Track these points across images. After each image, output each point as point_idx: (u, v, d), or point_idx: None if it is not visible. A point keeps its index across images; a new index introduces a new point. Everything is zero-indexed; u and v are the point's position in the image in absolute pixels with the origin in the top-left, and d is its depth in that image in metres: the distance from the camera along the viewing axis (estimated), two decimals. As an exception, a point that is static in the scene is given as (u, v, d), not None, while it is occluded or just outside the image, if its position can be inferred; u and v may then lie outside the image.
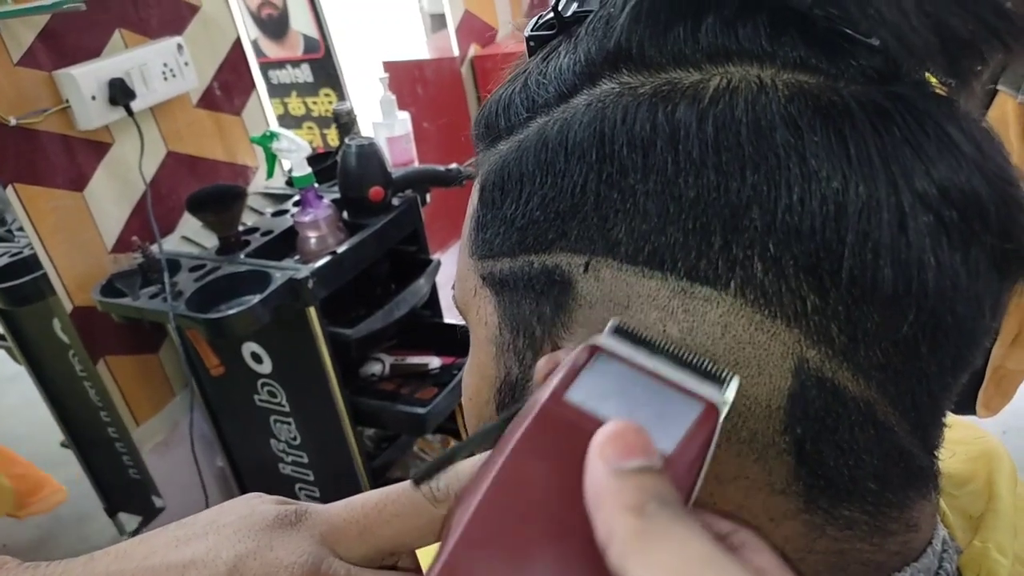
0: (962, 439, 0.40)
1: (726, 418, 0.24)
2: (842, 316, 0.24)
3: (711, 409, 0.24)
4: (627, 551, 0.20)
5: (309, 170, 1.43)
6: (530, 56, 0.33)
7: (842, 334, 0.25)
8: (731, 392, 0.24)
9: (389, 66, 2.19)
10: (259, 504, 0.32)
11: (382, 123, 1.65)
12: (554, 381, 0.24)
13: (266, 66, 2.15)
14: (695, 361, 0.24)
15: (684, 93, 0.25)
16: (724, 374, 0.24)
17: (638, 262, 0.26)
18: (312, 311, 1.35)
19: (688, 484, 0.23)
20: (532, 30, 0.33)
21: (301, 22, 2.03)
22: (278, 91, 2.17)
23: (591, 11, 0.29)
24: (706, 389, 0.24)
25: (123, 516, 1.73)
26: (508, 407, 0.32)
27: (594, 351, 0.25)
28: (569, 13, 0.31)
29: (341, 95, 2.05)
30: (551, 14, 0.32)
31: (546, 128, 0.29)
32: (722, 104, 0.25)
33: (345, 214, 1.51)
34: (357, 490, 1.55)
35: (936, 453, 0.29)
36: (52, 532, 1.85)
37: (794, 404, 0.25)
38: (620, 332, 0.25)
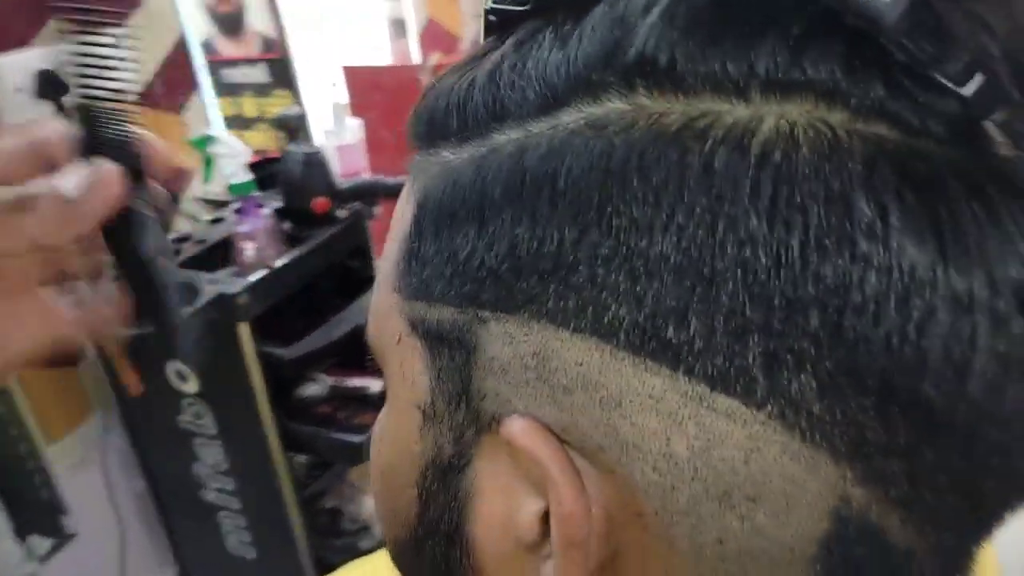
0: None
1: None
2: (908, 451, 0.19)
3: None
4: None
5: (248, 177, 1.33)
6: (487, 36, 0.25)
7: (902, 473, 0.19)
8: None
9: (349, 71, 2.10)
10: None
11: (332, 130, 1.56)
12: None
13: (218, 64, 2.05)
14: None
15: (729, 132, 0.19)
16: None
17: (641, 353, 0.20)
18: (243, 328, 1.26)
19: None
20: (495, 2, 0.24)
21: (259, 20, 1.94)
22: (231, 90, 2.07)
23: None
24: None
25: (34, 539, 1.61)
26: (434, 497, 0.26)
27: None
28: None
29: (296, 98, 1.96)
30: None
31: (524, 151, 0.21)
32: (780, 155, 0.18)
33: (288, 225, 1.42)
34: (285, 521, 1.45)
35: None
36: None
37: (828, 554, 0.20)
38: None
